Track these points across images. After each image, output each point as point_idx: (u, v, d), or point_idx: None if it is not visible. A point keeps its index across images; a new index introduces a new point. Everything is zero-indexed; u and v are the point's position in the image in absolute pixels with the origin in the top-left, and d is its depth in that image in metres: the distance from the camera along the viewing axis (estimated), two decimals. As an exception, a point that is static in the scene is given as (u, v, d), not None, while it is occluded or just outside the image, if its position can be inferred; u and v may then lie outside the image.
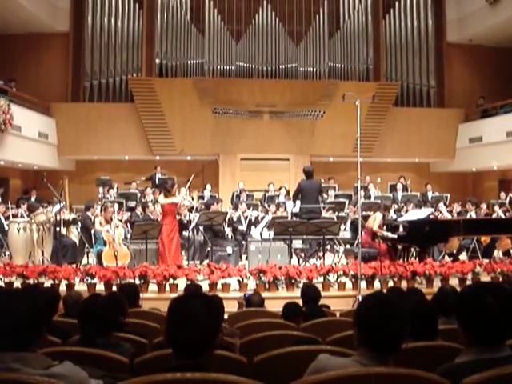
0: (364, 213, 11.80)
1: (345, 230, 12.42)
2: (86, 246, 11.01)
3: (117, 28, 18.22)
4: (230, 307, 6.13)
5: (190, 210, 11.42)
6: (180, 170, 17.33)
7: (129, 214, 12.93)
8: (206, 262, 10.64)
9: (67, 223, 11.96)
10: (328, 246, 11.83)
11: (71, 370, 2.27)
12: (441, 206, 12.78)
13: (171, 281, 8.57)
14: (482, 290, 2.42)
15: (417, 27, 19.25)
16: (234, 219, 12.37)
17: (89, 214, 11.12)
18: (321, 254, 10.60)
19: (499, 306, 2.32)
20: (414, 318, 2.84)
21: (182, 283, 8.44)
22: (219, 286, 8.60)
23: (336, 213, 12.84)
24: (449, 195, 15.34)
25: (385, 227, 10.51)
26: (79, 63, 18.33)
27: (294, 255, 10.67)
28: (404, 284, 8.75)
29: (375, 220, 10.32)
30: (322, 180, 14.16)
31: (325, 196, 13.00)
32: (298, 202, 11.39)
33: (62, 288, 8.36)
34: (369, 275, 8.79)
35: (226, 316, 5.07)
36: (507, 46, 18.97)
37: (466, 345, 2.45)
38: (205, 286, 8.38)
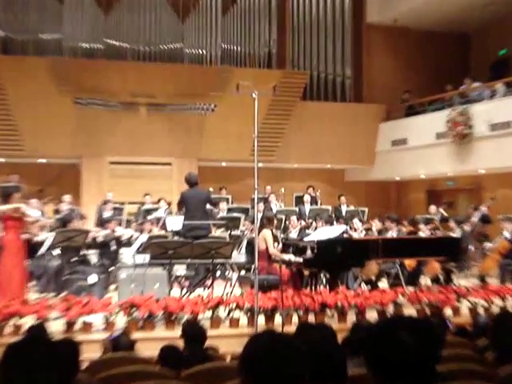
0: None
1: (240, 252, 12.41)
2: None
3: None
4: (93, 352, 6.00)
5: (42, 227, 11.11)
6: (31, 176, 16.82)
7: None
8: (62, 294, 10.35)
9: None
10: (218, 273, 11.82)
11: None
12: (356, 222, 13.06)
13: (15, 320, 8.26)
14: (393, 324, 2.46)
15: (331, 4, 19.88)
16: (101, 239, 12.19)
17: None
18: (209, 282, 10.56)
19: (415, 344, 2.35)
20: (318, 360, 2.88)
21: (29, 323, 8.12)
22: (79, 326, 8.37)
23: (229, 231, 12.88)
24: (367, 209, 15.72)
25: (288, 248, 10.66)
26: None
27: (175, 284, 10.71)
28: (311, 318, 8.83)
29: (265, 239, 10.42)
30: (211, 189, 14.29)
31: (215, 210, 13.14)
32: (180, 218, 11.36)
33: None
34: (268, 308, 8.75)
35: (85, 364, 4.94)
36: (438, 29, 19.82)
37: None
38: (60, 326, 8.20)
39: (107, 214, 14.16)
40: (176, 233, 11.35)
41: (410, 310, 9.44)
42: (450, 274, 12.61)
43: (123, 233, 12.76)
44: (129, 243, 12.25)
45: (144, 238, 11.62)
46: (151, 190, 16.07)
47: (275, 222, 11.35)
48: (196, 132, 17.76)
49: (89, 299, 8.77)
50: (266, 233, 10.51)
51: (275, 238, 10.59)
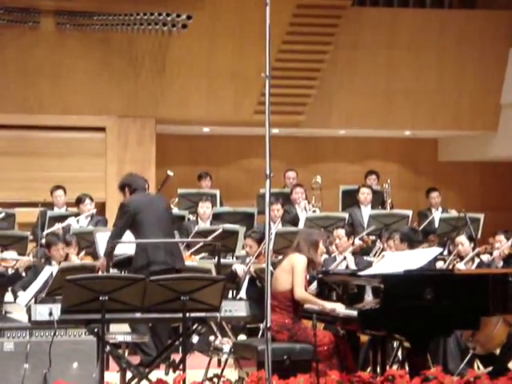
0: (281, 257, 9.79)
1: (236, 297, 9.68)
2: None
3: None
4: None
5: None
6: None
7: None
8: None
9: None
10: (195, 339, 8.88)
11: None
12: (462, 241, 9.64)
13: None
14: None
15: None
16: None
17: None
18: (178, 357, 7.53)
19: None
20: None
21: None
22: None
23: (215, 257, 9.80)
24: (482, 217, 11.60)
25: (330, 292, 7.95)
26: None
27: (112, 361, 7.82)
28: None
29: (293, 269, 7.59)
30: (171, 173, 10.96)
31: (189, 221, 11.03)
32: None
33: None
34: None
35: None
36: None
37: None
38: None
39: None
40: (117, 264, 8.35)
41: None
42: None
43: (9, 262, 9.93)
44: (19, 282, 9.53)
45: (49, 271, 8.72)
46: (66, 179, 12.05)
47: (321, 246, 8.11)
48: (152, 69, 13.13)
49: None
50: (298, 260, 7.57)
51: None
